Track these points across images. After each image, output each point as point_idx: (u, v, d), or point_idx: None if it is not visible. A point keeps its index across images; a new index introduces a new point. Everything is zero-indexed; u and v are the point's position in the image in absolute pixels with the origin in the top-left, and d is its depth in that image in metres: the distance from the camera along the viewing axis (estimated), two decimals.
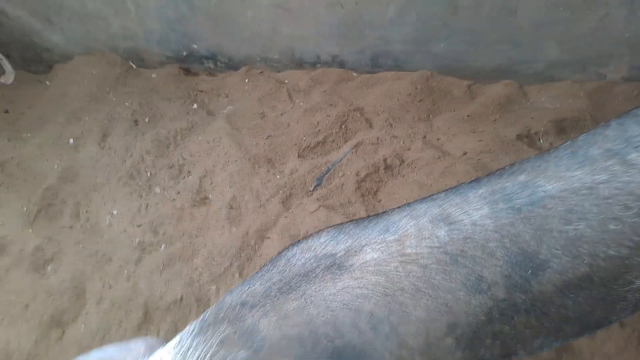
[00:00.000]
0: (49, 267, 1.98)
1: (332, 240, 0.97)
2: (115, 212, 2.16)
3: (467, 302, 0.88)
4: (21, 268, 1.96)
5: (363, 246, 0.93)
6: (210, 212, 2.07)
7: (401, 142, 2.22)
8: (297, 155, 2.25)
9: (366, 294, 0.88)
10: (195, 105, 2.63)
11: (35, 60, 3.02)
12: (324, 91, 2.53)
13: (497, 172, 1.00)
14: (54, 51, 2.94)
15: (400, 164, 2.13)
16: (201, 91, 2.74)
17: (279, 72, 2.72)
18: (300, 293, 0.90)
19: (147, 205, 2.16)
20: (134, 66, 2.94)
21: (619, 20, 1.99)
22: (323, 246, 0.96)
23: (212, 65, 2.81)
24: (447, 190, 1.01)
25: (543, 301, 0.89)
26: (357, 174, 2.08)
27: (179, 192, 2.18)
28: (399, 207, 1.03)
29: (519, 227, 0.88)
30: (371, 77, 2.56)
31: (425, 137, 2.23)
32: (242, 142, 2.32)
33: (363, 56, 2.51)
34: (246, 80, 2.72)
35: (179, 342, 0.90)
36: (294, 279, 0.93)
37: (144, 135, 2.45)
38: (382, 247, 0.92)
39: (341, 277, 0.90)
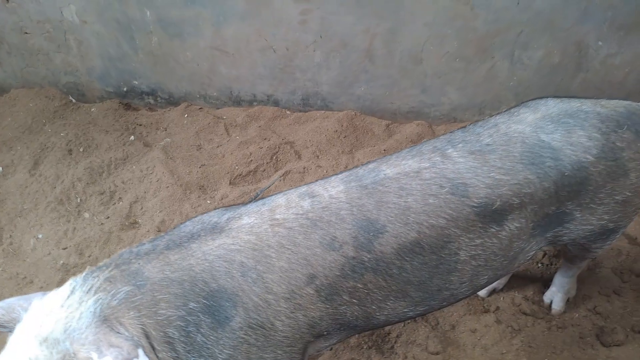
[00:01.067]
0: None
1: (218, 214, 1.15)
2: (40, 236, 2.18)
3: (323, 257, 1.08)
4: None
5: (242, 215, 1.12)
6: (138, 235, 2.13)
7: (324, 171, 2.42)
8: (229, 182, 2.39)
9: (238, 249, 1.06)
10: (132, 137, 2.73)
11: None
12: (259, 126, 2.73)
13: (353, 167, 1.27)
14: None
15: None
16: (140, 125, 2.85)
17: (217, 108, 2.90)
18: (184, 248, 1.06)
19: (75, 229, 2.19)
20: (73, 100, 3.03)
21: (504, 71, 2.37)
22: (210, 217, 1.14)
23: (152, 101, 2.95)
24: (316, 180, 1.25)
25: (385, 261, 1.11)
26: None
27: (109, 217, 2.24)
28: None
29: (365, 199, 1.13)
30: (303, 115, 2.80)
31: (346, 167, 2.44)
32: (176, 170, 2.43)
33: (295, 96, 2.76)
34: (185, 115, 2.87)
35: (70, 283, 1.01)
36: (181, 239, 1.09)
37: (77, 164, 2.51)
38: (257, 215, 1.12)
39: (220, 236, 1.08)
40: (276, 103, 2.81)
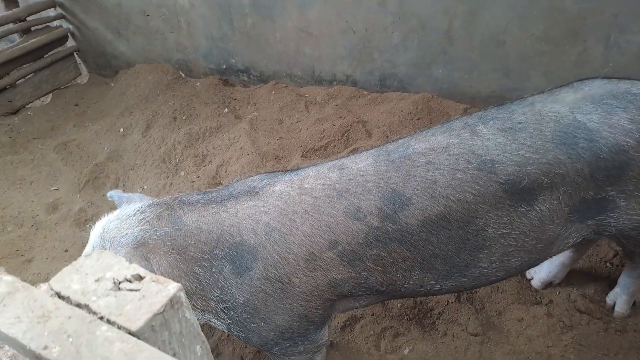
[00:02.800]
0: (88, 225, 2.41)
1: (259, 179, 1.30)
2: (145, 187, 2.59)
3: (346, 225, 1.17)
4: (67, 223, 2.41)
5: (276, 182, 1.25)
6: None
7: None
8: (301, 155, 2.58)
9: (266, 211, 1.20)
10: (226, 110, 3.06)
11: (105, 66, 3.62)
12: (337, 105, 2.87)
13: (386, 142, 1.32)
14: (120, 59, 3.52)
15: None
16: (234, 99, 3.17)
17: (301, 87, 3.10)
18: (221, 205, 1.23)
19: (172, 184, 2.56)
20: (182, 75, 3.46)
21: (597, 56, 2.18)
22: (251, 181, 1.30)
23: (246, 78, 3.25)
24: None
25: (410, 233, 1.16)
26: None
27: (199, 176, 2.57)
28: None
29: (392, 172, 1.18)
30: (379, 96, 2.87)
31: None
32: (257, 141, 2.69)
33: (372, 77, 2.84)
34: (272, 92, 3.12)
35: (141, 206, 1.27)
36: (222, 197, 1.26)
37: (180, 129, 2.90)
38: (288, 183, 1.24)
39: (253, 198, 1.23)
40: (354, 83, 2.92)
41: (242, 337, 1.25)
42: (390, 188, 1.16)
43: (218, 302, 1.19)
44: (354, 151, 2.51)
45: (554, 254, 1.33)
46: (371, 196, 1.17)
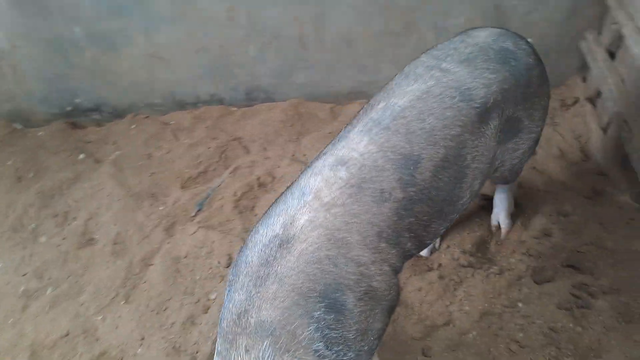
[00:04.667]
0: None
1: (267, 227, 1.14)
2: (0, 265, 2.18)
3: (381, 211, 1.15)
4: None
5: (293, 216, 1.12)
6: (95, 251, 2.16)
7: (272, 162, 2.48)
8: (180, 186, 2.42)
9: (316, 247, 1.09)
10: (82, 155, 2.73)
11: None
12: (207, 127, 2.76)
13: (362, 111, 1.31)
14: None
15: (272, 180, 2.38)
16: (88, 142, 2.86)
17: (163, 114, 2.91)
18: (272, 276, 1.06)
19: (32, 254, 2.20)
20: (18, 127, 3.00)
21: (430, 41, 2.42)
22: (264, 234, 1.13)
23: (98, 116, 2.95)
24: (331, 142, 1.27)
25: (427, 187, 1.20)
26: (234, 195, 2.30)
27: (65, 238, 2.25)
28: (301, 171, 1.25)
29: (393, 139, 1.18)
30: (248, 109, 2.84)
31: (293, 155, 2.51)
32: (126, 182, 2.46)
33: (237, 92, 2.80)
34: (132, 126, 2.88)
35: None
36: (261, 271, 1.08)
37: (28, 189, 2.51)
38: (307, 208, 1.13)
39: (292, 247, 1.09)
40: (221, 101, 2.85)
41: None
42: (400, 154, 1.16)
43: (336, 354, 1.08)
44: (235, 170, 2.44)
45: (491, 176, 1.51)
46: (387, 172, 1.15)
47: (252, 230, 1.19)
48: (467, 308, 1.63)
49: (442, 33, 2.41)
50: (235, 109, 2.87)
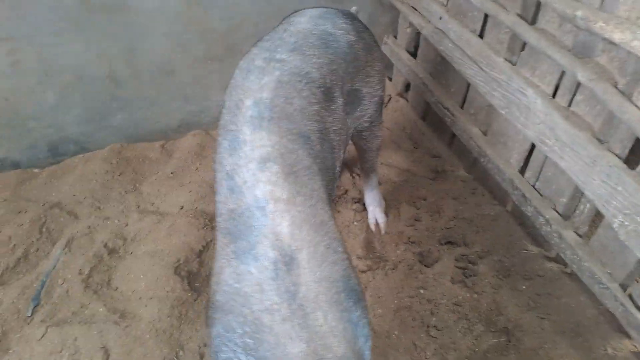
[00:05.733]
0: None
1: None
2: None
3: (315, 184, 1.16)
4: None
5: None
6: None
7: (116, 221, 2.10)
8: None
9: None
10: None
11: None
12: (5, 200, 2.16)
13: (227, 118, 1.24)
14: None
15: (124, 243, 2.02)
16: None
17: None
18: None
19: None
20: None
21: None
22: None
23: None
24: (219, 158, 1.18)
25: (320, 157, 1.26)
26: (80, 273, 1.86)
27: None
28: (225, 196, 1.10)
29: (283, 124, 1.19)
30: (57, 167, 2.33)
31: (139, 206, 2.18)
32: None
33: (38, 150, 2.27)
34: None
35: None
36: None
37: None
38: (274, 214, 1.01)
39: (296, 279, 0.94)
40: (16, 165, 2.27)
41: None
42: (297, 135, 1.19)
43: None
44: (69, 243, 1.99)
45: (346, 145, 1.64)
46: (300, 151, 1.17)
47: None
48: (380, 311, 1.69)
49: None
50: (38, 170, 2.32)
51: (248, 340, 0.88)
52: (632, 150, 1.48)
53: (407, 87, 2.65)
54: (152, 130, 2.46)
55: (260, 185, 1.04)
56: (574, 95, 1.63)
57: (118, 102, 2.28)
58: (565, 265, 1.81)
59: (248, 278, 0.93)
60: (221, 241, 1.05)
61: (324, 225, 1.05)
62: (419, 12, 2.30)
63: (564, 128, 1.63)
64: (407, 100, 2.63)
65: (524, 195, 1.91)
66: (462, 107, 2.23)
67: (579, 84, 1.58)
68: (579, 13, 1.40)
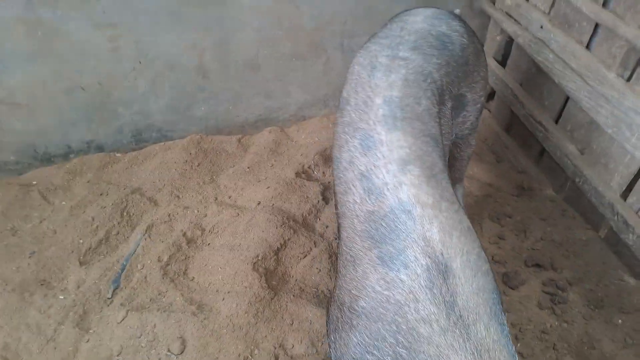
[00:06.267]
0: None
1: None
2: None
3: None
4: None
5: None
6: None
7: (195, 211, 2.13)
8: (78, 263, 1.90)
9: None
10: None
11: None
12: (88, 182, 2.24)
13: (354, 116, 1.24)
14: None
15: (202, 233, 2.04)
16: None
17: (20, 174, 2.27)
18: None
19: None
20: None
21: (338, 61, 2.41)
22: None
23: None
24: (349, 160, 1.17)
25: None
26: (158, 260, 1.89)
27: None
28: (360, 198, 1.09)
29: (415, 125, 1.18)
30: (138, 154, 2.39)
31: (217, 198, 2.19)
32: None
33: (123, 135, 2.33)
34: None
35: None
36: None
37: None
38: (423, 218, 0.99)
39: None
40: (100, 148, 2.34)
41: None
42: (428, 136, 1.17)
43: None
44: (149, 229, 2.02)
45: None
46: (433, 153, 1.14)
47: None
48: None
49: (348, 52, 2.39)
50: (120, 155, 2.39)
51: (401, 350, 0.84)
52: None
53: (490, 96, 2.54)
54: (232, 123, 2.48)
55: (403, 188, 1.01)
56: None
57: (203, 94, 2.30)
58: None
59: (399, 286, 0.90)
60: (359, 244, 1.02)
61: (471, 232, 0.99)
62: (515, 20, 2.19)
63: None
64: (489, 110, 2.52)
65: (625, 222, 1.76)
66: (556, 122, 2.10)
67: None
68: None
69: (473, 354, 0.80)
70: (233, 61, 2.24)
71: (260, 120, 2.52)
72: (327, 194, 2.26)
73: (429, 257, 0.90)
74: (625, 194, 1.82)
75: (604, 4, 1.74)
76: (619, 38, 1.68)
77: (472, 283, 0.89)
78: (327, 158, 2.43)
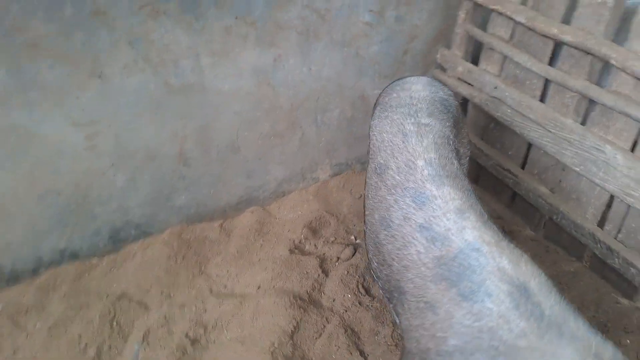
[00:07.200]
0: None
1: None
2: None
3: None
4: None
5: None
6: None
7: (193, 308, 1.96)
8: None
9: None
10: None
11: None
12: (64, 295, 1.99)
13: (397, 181, 1.38)
14: None
15: (206, 331, 1.88)
16: None
17: None
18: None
19: None
20: None
21: (312, 135, 2.49)
22: None
23: None
24: (407, 214, 1.28)
25: None
26: None
27: None
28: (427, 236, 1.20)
29: (456, 182, 1.33)
30: (117, 256, 2.19)
31: (212, 290, 2.06)
32: None
33: (100, 237, 2.14)
34: None
35: None
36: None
37: None
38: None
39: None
40: (75, 256, 2.12)
41: None
42: (467, 190, 1.32)
43: None
44: (145, 337, 1.83)
45: None
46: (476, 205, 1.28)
47: None
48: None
49: (321, 126, 2.49)
50: (96, 260, 2.17)
51: None
52: None
53: None
54: (213, 209, 2.40)
55: (467, 231, 1.13)
56: None
57: (184, 182, 2.23)
58: None
59: (488, 314, 0.97)
60: (434, 288, 1.11)
61: (533, 263, 1.09)
62: (468, 84, 2.45)
63: None
64: None
65: (609, 248, 1.95)
66: (523, 168, 2.33)
67: None
68: None
69: (571, 342, 0.89)
70: (214, 145, 2.22)
71: (241, 202, 2.47)
72: (325, 266, 2.23)
73: (508, 283, 1.00)
74: (601, 224, 2.02)
75: (550, 63, 2.03)
76: (569, 90, 1.96)
77: (550, 297, 0.99)
78: (314, 230, 2.42)
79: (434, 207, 1.22)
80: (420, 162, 1.34)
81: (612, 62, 1.71)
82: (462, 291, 1.03)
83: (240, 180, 2.40)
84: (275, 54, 2.12)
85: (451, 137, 1.50)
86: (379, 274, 1.41)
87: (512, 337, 0.92)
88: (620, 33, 1.77)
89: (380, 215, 1.36)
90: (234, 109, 2.17)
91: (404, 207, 1.28)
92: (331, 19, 2.15)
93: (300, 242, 2.37)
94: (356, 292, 2.09)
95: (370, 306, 2.03)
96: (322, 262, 2.25)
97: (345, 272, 2.16)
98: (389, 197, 1.34)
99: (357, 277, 2.15)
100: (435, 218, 1.19)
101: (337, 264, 2.25)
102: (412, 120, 1.48)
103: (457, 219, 1.17)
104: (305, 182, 2.63)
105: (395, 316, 1.40)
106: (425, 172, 1.31)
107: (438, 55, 2.53)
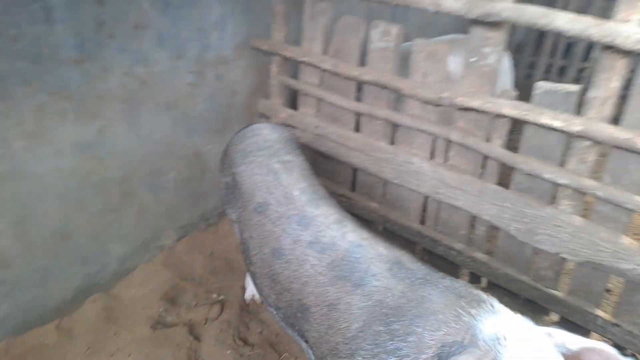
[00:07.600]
0: None
1: None
2: None
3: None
4: None
5: None
6: None
7: None
8: None
9: None
10: None
11: None
12: None
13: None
14: None
15: None
16: None
17: None
18: None
19: None
20: None
21: (152, 202, 2.35)
22: None
23: None
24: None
25: None
26: None
27: None
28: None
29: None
30: None
31: None
32: None
33: None
34: None
35: None
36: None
37: None
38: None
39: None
40: None
41: None
42: (339, 209, 1.55)
43: None
44: None
45: None
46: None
47: None
48: None
49: (158, 190, 2.37)
50: None
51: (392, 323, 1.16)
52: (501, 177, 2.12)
53: None
54: (45, 310, 2.03)
55: (348, 234, 1.40)
56: (447, 152, 2.23)
57: (4, 287, 1.83)
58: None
59: (376, 291, 1.23)
60: (333, 290, 1.30)
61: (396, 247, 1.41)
62: (292, 126, 2.69)
63: (450, 177, 2.17)
64: None
65: (433, 240, 2.35)
66: (353, 190, 2.64)
67: (449, 144, 2.17)
68: (445, 94, 2.01)
69: (434, 287, 1.21)
70: (38, 237, 1.90)
71: (78, 293, 2.14)
72: (195, 331, 2.11)
73: (386, 262, 1.30)
74: (422, 222, 2.43)
75: (357, 99, 2.40)
76: (376, 118, 2.34)
77: (418, 264, 1.31)
78: (172, 300, 2.27)
79: (317, 223, 1.43)
80: (296, 192, 1.54)
81: (403, 92, 2.14)
82: (354, 281, 1.27)
83: (75, 269, 2.10)
84: (99, 125, 1.97)
85: (308, 167, 1.72)
86: (279, 304, 1.47)
87: (395, 299, 1.18)
88: (403, 69, 2.23)
89: (271, 248, 1.48)
90: (57, 192, 1.92)
91: (292, 232, 1.44)
92: (154, 84, 2.13)
93: (160, 315, 2.19)
94: (234, 347, 2.02)
95: (251, 355, 1.99)
96: (191, 328, 2.12)
97: (219, 331, 2.08)
98: (275, 229, 1.48)
99: (231, 331, 2.09)
100: (321, 232, 1.41)
101: (206, 325, 2.14)
102: (276, 159, 1.67)
103: (339, 228, 1.42)
104: (150, 253, 2.45)
105: (301, 342, 1.45)
106: (303, 198, 1.52)
107: (260, 106, 2.71)
